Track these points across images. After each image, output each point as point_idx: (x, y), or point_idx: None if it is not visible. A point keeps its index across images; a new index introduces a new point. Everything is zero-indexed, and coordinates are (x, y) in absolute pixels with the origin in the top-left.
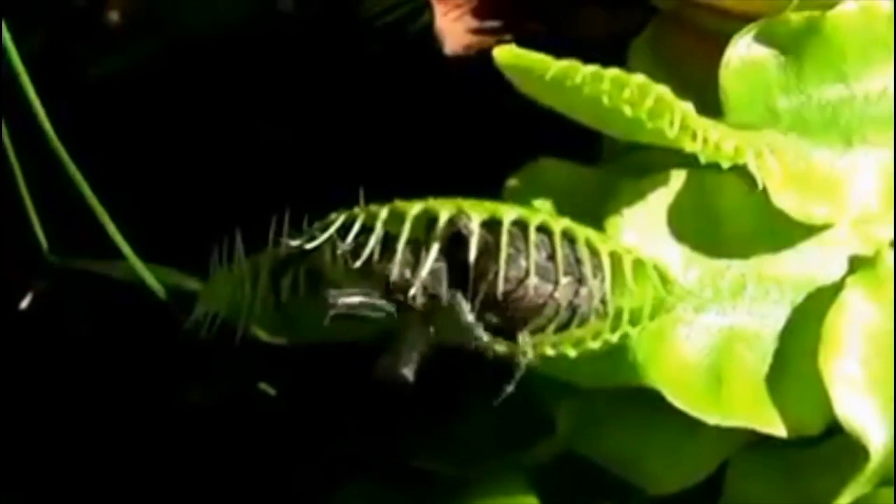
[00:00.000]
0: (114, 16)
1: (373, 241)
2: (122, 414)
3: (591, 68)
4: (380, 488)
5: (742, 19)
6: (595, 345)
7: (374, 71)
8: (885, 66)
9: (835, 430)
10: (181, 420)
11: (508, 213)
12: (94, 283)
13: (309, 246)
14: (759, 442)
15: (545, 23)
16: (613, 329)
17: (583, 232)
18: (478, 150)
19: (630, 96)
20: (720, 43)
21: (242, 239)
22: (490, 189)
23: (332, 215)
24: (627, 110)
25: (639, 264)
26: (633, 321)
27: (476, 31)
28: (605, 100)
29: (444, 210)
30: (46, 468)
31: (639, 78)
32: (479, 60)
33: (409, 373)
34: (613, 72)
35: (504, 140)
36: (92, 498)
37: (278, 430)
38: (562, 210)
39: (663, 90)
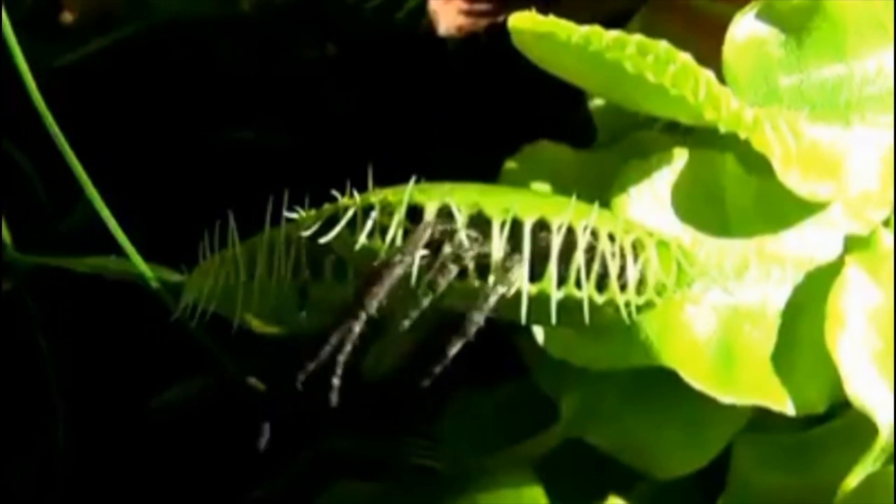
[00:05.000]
0: (67, 16)
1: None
2: (97, 412)
3: (615, 33)
4: (382, 486)
5: (734, 2)
6: (622, 300)
7: (359, 57)
8: (884, 45)
9: (836, 410)
10: (163, 418)
11: (530, 214)
12: (62, 279)
13: (331, 234)
14: (761, 424)
15: (537, 6)
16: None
17: (605, 226)
18: (464, 136)
19: (653, 63)
20: (712, 27)
21: (214, 230)
22: (482, 173)
23: (345, 200)
24: (651, 77)
25: (662, 245)
26: (659, 292)
27: (468, 13)
28: (629, 66)
29: (463, 207)
30: (23, 472)
31: (663, 45)
32: (464, 46)
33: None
34: (637, 38)
35: (491, 127)
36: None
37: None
38: (560, 192)
39: (687, 57)
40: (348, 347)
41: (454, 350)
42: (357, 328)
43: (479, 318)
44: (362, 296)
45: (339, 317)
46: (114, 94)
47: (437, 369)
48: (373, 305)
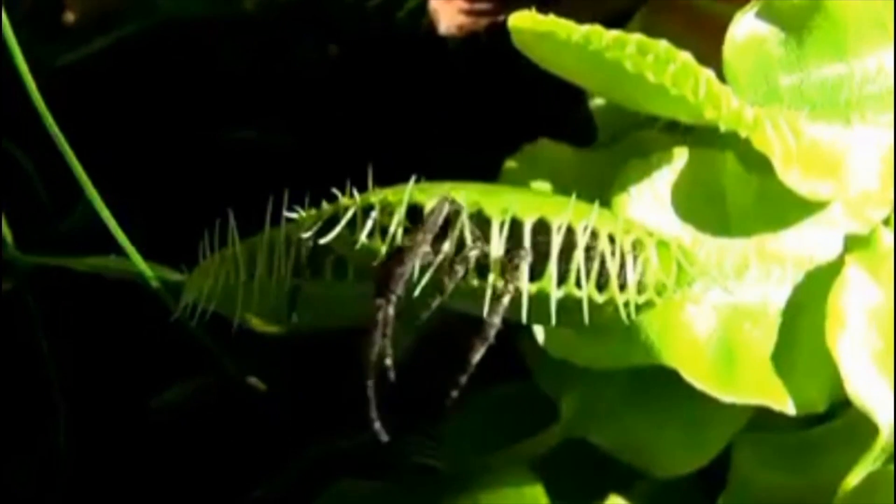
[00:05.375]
0: (70, 16)
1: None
2: (97, 412)
3: (615, 33)
4: (382, 485)
5: (734, 2)
6: (622, 299)
7: (360, 57)
8: (884, 44)
9: (836, 409)
10: (163, 418)
11: (530, 214)
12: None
13: (331, 234)
14: (761, 424)
15: (537, 5)
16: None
17: (605, 226)
18: (464, 136)
19: (653, 62)
20: (712, 26)
21: (214, 230)
22: (482, 173)
23: (345, 200)
24: (651, 76)
25: (662, 245)
26: (659, 291)
27: (469, 13)
28: (629, 65)
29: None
30: (23, 472)
31: (663, 44)
32: (465, 46)
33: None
34: (637, 37)
35: (491, 127)
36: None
37: (267, 424)
38: (560, 191)
39: (687, 57)
40: (389, 332)
41: (478, 356)
42: (392, 311)
43: (497, 321)
44: (388, 280)
45: (372, 309)
46: (115, 94)
47: (464, 379)
48: (400, 286)
